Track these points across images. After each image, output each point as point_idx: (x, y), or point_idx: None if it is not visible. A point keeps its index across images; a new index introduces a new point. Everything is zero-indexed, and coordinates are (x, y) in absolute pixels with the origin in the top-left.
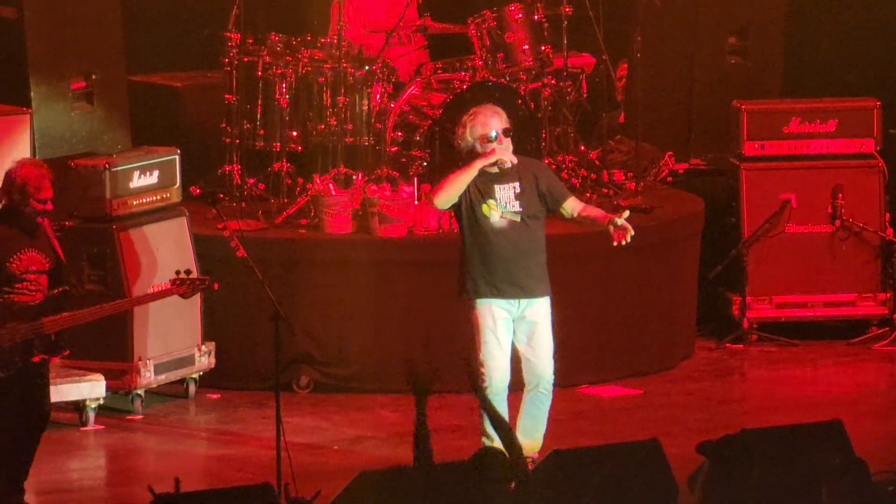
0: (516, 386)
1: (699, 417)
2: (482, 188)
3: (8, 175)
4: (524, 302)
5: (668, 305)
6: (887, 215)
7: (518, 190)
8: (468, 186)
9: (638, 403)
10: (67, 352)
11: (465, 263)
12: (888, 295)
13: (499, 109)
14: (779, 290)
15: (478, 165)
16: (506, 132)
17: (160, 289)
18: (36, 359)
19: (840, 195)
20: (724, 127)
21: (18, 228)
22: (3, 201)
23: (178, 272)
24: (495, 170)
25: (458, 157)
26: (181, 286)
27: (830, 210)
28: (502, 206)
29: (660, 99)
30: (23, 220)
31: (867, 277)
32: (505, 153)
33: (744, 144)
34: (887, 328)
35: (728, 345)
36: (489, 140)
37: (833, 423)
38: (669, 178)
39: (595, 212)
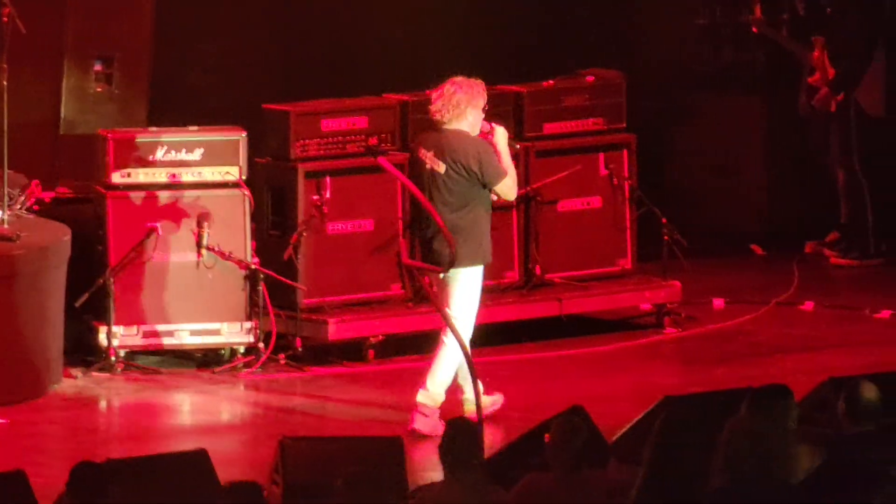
0: None
1: (65, 447)
2: None
3: None
4: None
5: (35, 334)
6: (253, 244)
7: None
8: None
9: (2, 433)
10: None
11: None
12: (254, 323)
13: None
14: (146, 318)
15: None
16: None
17: None
18: None
19: (206, 223)
20: (92, 155)
21: None
22: None
23: None
24: None
25: None
26: None
27: (197, 238)
28: None
29: (27, 125)
30: None
31: (234, 305)
32: None
33: (110, 173)
34: (253, 356)
35: (95, 373)
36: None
37: (197, 451)
38: (36, 207)
39: None
